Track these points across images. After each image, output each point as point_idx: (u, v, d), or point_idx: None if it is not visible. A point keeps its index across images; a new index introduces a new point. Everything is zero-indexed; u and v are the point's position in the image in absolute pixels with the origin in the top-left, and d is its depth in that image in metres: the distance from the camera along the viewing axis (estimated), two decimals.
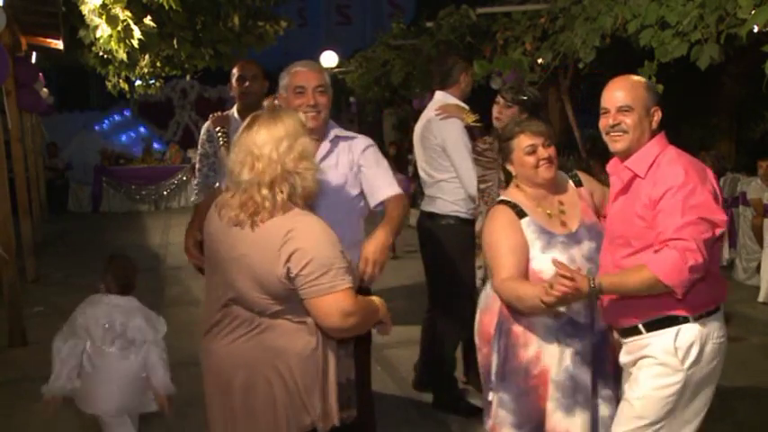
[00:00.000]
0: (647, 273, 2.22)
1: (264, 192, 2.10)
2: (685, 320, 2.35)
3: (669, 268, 2.18)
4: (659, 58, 4.10)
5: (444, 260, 4.03)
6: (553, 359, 2.61)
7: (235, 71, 3.92)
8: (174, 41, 7.69)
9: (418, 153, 4.20)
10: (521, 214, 2.65)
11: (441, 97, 4.13)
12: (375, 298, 2.38)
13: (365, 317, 2.23)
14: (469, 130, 3.95)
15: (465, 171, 3.88)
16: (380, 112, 14.40)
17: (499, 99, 4.13)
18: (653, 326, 2.38)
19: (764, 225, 6.63)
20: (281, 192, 2.11)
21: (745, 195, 7.41)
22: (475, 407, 4.02)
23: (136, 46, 5.31)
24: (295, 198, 2.15)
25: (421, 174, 4.24)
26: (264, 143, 2.12)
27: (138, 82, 11.87)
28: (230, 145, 3.77)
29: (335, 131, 2.94)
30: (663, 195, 2.28)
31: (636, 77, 2.53)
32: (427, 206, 4.13)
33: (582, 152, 7.96)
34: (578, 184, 2.81)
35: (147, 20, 5.50)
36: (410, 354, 4.53)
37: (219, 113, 3.93)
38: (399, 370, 4.66)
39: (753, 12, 3.61)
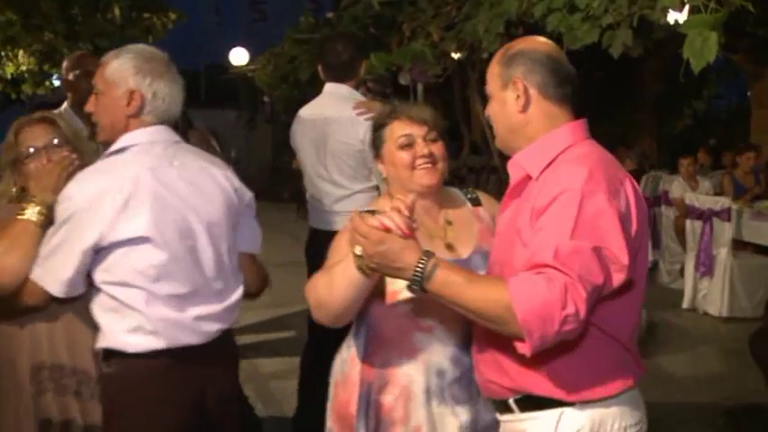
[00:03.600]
0: (501, 292, 1.43)
1: None
2: (569, 404, 1.60)
3: (535, 302, 1.39)
4: (569, 45, 3.66)
5: None
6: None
7: (74, 64, 3.38)
8: (47, 34, 6.86)
9: (316, 158, 3.43)
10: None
11: (337, 89, 3.50)
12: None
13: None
14: None
15: None
16: (294, 112, 13.79)
17: (365, 91, 3.63)
18: (526, 405, 1.65)
19: (687, 226, 6.28)
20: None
21: (668, 194, 7.12)
22: None
23: None
24: None
25: (321, 186, 3.44)
26: None
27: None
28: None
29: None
30: (550, 203, 1.50)
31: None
32: (330, 225, 3.31)
33: (496, 159, 7.44)
34: (476, 203, 2.12)
35: None
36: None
37: (48, 111, 3.30)
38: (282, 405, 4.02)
39: None
